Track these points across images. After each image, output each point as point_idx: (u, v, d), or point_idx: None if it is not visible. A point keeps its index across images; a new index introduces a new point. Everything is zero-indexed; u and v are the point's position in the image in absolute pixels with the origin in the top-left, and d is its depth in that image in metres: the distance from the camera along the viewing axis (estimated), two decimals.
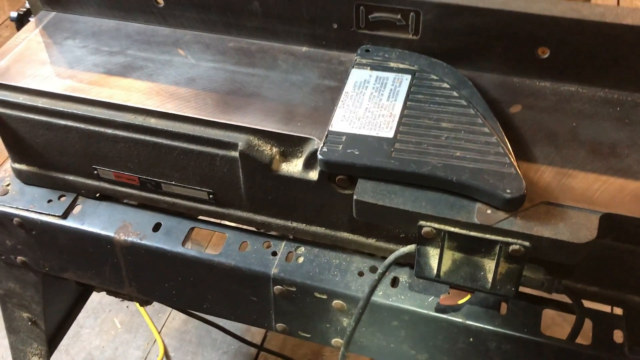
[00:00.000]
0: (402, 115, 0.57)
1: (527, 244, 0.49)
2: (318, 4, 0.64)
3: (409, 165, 0.52)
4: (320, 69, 0.66)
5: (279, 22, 0.67)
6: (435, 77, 0.60)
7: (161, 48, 0.70)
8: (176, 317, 1.44)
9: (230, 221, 0.68)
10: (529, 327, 0.58)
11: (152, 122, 0.63)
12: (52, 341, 0.95)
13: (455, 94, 0.58)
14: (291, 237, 0.67)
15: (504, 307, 0.61)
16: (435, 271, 0.54)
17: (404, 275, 0.64)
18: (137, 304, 1.42)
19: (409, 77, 0.61)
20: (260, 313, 0.69)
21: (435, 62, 0.62)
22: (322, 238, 0.65)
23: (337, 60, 0.67)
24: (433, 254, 0.53)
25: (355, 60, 0.63)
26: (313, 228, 0.65)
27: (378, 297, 0.62)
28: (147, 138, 0.64)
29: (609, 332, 0.57)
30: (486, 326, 0.59)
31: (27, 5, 0.79)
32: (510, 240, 0.50)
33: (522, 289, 0.53)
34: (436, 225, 0.51)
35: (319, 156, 0.54)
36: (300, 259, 0.66)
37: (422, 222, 0.51)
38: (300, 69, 0.66)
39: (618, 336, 0.57)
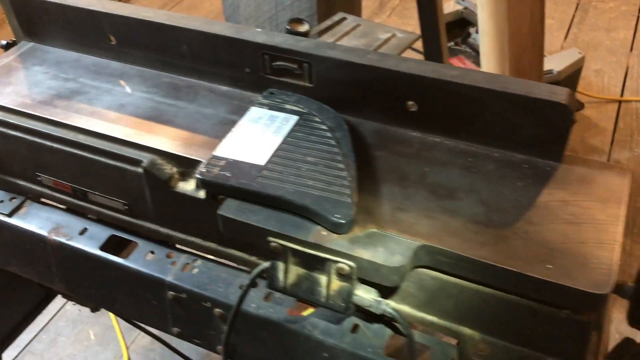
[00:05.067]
0: (278, 148, 0.66)
1: (351, 263, 0.57)
2: (233, 50, 0.74)
3: (266, 188, 0.61)
4: (232, 105, 0.76)
5: (204, 63, 0.78)
6: (318, 120, 0.69)
7: (107, 78, 0.82)
8: (146, 336, 1.52)
9: (142, 232, 0.78)
10: (373, 347, 0.64)
11: (80, 137, 0.74)
12: (3, 343, 1.04)
13: (329, 134, 0.67)
14: (191, 250, 0.76)
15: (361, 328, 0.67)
16: (282, 284, 0.61)
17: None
18: (112, 318, 1.52)
19: (296, 117, 0.70)
20: (160, 316, 0.77)
21: (323, 107, 0.71)
22: (215, 253, 0.73)
23: (249, 100, 0.76)
24: (281, 268, 0.61)
25: (258, 99, 0.73)
26: (207, 243, 0.73)
27: (251, 308, 0.69)
28: (76, 151, 0.74)
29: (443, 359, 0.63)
30: (336, 343, 0.65)
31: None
32: (337, 259, 0.57)
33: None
34: (282, 242, 0.59)
35: (196, 175, 0.64)
36: (195, 270, 0.74)
37: (270, 238, 0.59)
38: (215, 104, 0.76)
39: None
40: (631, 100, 2.11)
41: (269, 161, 0.64)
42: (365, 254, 0.56)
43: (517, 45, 1.33)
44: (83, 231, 0.80)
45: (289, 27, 0.79)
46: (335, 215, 0.57)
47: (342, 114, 0.72)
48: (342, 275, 0.58)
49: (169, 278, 0.73)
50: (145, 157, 0.70)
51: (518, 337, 0.59)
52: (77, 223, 0.81)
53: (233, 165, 0.64)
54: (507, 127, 0.65)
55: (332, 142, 0.66)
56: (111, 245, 0.79)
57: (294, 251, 0.59)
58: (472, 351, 0.60)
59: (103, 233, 0.80)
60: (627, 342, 0.96)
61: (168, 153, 0.70)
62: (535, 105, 0.61)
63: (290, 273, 0.61)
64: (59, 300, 1.41)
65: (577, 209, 0.59)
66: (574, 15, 2.60)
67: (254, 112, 0.71)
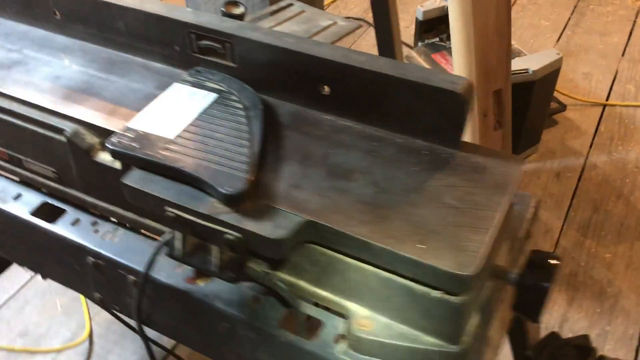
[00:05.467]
0: (190, 124, 0.68)
1: (239, 235, 0.59)
2: (163, 28, 0.77)
3: (167, 160, 0.63)
4: (161, 81, 0.78)
5: (138, 40, 0.81)
6: (235, 99, 0.72)
7: (50, 51, 0.85)
8: None
9: (72, 200, 0.81)
10: (269, 319, 0.67)
11: (13, 105, 0.77)
12: None
13: (242, 113, 0.69)
14: (115, 220, 0.79)
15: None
16: (180, 253, 0.64)
17: None
18: None
19: (215, 95, 0.72)
20: (83, 282, 0.80)
21: (244, 87, 0.74)
22: (134, 223, 0.76)
23: (178, 77, 0.79)
24: (179, 237, 0.64)
25: (183, 76, 0.76)
26: (128, 213, 0.76)
27: (161, 277, 0.72)
28: (8, 118, 0.77)
29: (332, 335, 0.65)
30: (235, 313, 0.68)
31: None
32: (226, 230, 0.59)
33: None
34: (177, 212, 0.62)
35: (106, 144, 0.66)
36: (115, 239, 0.77)
37: (167, 208, 0.62)
38: (145, 80, 0.79)
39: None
40: (616, 104, 2.11)
41: (178, 135, 0.67)
42: (251, 226, 0.58)
43: (483, 42, 1.34)
44: (17, 196, 0.83)
45: (223, 9, 0.81)
46: (226, 187, 0.60)
47: (263, 95, 0.74)
48: (232, 247, 0.60)
49: (90, 245, 0.76)
50: (69, 127, 0.73)
51: (398, 315, 0.61)
52: (13, 189, 0.84)
53: (142, 137, 0.67)
54: (408, 114, 0.67)
55: (244, 120, 0.68)
56: (43, 211, 0.82)
57: (189, 222, 0.61)
58: (356, 327, 0.63)
59: (36, 199, 0.83)
60: (551, 335, 0.98)
61: (89, 123, 0.73)
62: (432, 93, 0.63)
63: (187, 243, 0.63)
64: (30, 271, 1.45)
65: (463, 194, 0.61)
66: (569, 18, 2.59)
67: (175, 88, 0.74)
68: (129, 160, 0.66)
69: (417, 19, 2.00)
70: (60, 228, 0.79)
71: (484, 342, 0.65)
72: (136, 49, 0.82)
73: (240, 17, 0.81)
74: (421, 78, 0.64)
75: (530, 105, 1.71)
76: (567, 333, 1.44)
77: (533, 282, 0.61)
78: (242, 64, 0.74)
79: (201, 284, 0.68)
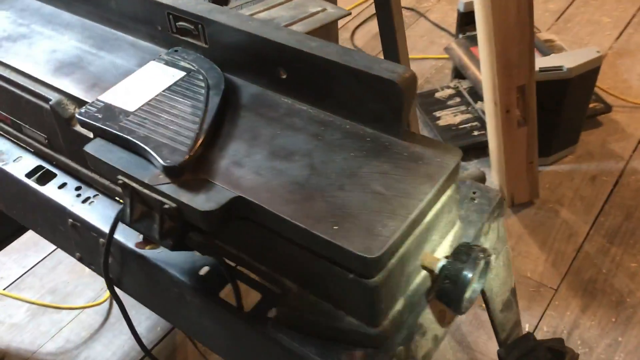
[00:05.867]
0: (153, 99, 0.73)
1: (174, 205, 0.63)
2: (146, 9, 0.81)
3: (123, 131, 0.68)
4: (144, 59, 0.83)
5: (127, 19, 0.86)
6: (201, 78, 0.75)
7: (54, 27, 0.91)
8: None
9: (61, 165, 0.87)
10: (210, 290, 0.70)
11: (12, 75, 0.84)
12: None
13: (203, 92, 0.73)
14: (98, 187, 0.85)
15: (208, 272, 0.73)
16: (129, 219, 0.68)
17: None
18: None
19: (183, 74, 0.76)
20: (66, 241, 0.87)
21: (212, 67, 0.77)
22: (106, 189, 0.82)
23: (159, 55, 0.83)
24: (128, 204, 0.68)
25: (160, 55, 0.80)
26: (103, 180, 0.82)
27: (123, 241, 0.77)
28: (8, 87, 0.85)
29: (267, 308, 0.68)
30: (185, 281, 0.72)
31: None
32: (164, 200, 0.63)
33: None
34: (126, 180, 0.66)
35: (76, 115, 0.72)
36: (93, 203, 0.83)
37: (119, 176, 0.67)
38: (130, 57, 0.84)
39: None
40: None
41: (139, 109, 0.71)
42: (184, 197, 0.62)
43: (503, 36, 1.32)
44: (17, 158, 0.91)
45: None
46: (167, 160, 0.64)
47: (232, 75, 0.77)
48: (170, 216, 0.64)
49: (69, 207, 0.83)
50: (54, 97, 0.79)
51: (323, 294, 0.63)
52: (15, 151, 0.92)
53: (107, 109, 0.72)
54: (355, 101, 0.68)
55: (202, 99, 0.72)
56: (39, 175, 0.89)
57: (136, 190, 0.66)
58: (288, 302, 0.65)
59: (32, 162, 0.90)
60: (525, 336, 0.97)
61: (71, 95, 0.78)
62: (373, 81, 0.64)
63: (135, 209, 0.68)
64: None
65: (393, 181, 0.62)
66: (634, 15, 2.46)
67: (152, 65, 0.78)
68: (93, 130, 0.71)
69: (458, 10, 1.97)
70: (48, 190, 0.86)
71: (412, 329, 0.66)
72: (126, 28, 0.87)
73: (225, 2, 0.85)
74: (364, 66, 0.65)
75: (564, 104, 1.66)
76: (575, 340, 1.40)
77: (454, 272, 0.61)
78: (213, 45, 0.78)
79: (149, 249, 0.73)
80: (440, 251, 0.68)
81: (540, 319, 1.44)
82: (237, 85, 0.77)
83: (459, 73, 2.02)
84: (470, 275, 0.61)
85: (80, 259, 0.87)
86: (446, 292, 0.62)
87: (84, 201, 0.83)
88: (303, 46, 0.69)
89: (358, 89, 0.67)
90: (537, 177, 1.66)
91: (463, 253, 0.63)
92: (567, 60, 1.61)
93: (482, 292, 0.86)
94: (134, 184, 0.66)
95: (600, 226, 1.65)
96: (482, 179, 1.73)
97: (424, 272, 0.65)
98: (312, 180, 0.63)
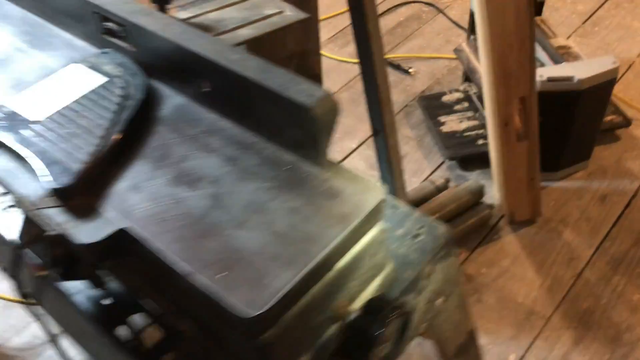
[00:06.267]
0: (65, 107, 0.66)
1: (57, 232, 0.56)
2: (77, 5, 0.75)
3: (18, 141, 0.62)
4: (74, 59, 0.77)
5: (64, 15, 0.79)
6: (122, 86, 0.68)
7: None
8: None
9: None
10: (110, 321, 0.64)
11: None
12: None
13: (118, 101, 0.66)
14: None
15: None
16: (21, 239, 0.62)
17: None
18: None
19: (105, 80, 0.69)
20: None
21: (137, 74, 0.70)
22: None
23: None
24: (22, 220, 0.62)
25: (86, 57, 0.73)
26: None
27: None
28: None
29: (166, 349, 0.61)
30: (84, 306, 0.66)
31: None
32: (48, 226, 0.57)
33: None
34: (16, 195, 0.60)
35: None
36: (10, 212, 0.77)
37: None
38: (61, 58, 0.77)
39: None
40: None
41: (45, 118, 0.65)
42: (68, 224, 0.56)
43: (500, 45, 1.21)
44: None
45: None
46: (54, 180, 0.57)
47: (161, 83, 0.70)
48: (56, 244, 0.58)
49: None
50: None
51: (217, 342, 0.56)
52: None
53: (12, 115, 0.65)
54: (274, 123, 0.60)
55: (115, 110, 0.65)
56: None
57: (24, 205, 0.60)
58: (185, 346, 0.59)
59: None
60: None
61: None
62: (288, 104, 0.56)
63: (26, 230, 0.62)
64: None
65: (300, 221, 0.54)
66: None
67: (72, 68, 0.72)
68: None
69: (471, 10, 1.86)
70: None
71: None
72: (64, 24, 0.81)
73: (167, 1, 0.77)
74: (279, 86, 0.57)
75: (574, 117, 1.54)
76: None
77: (360, 329, 0.53)
78: (140, 49, 0.71)
79: (43, 274, 0.67)
80: (362, 298, 0.60)
81: (527, 350, 1.34)
82: (162, 95, 0.70)
83: (469, 76, 1.91)
84: (377, 334, 0.53)
85: (4, 270, 0.82)
86: (349, 348, 0.54)
87: (7, 211, 0.78)
88: (221, 58, 0.61)
89: (275, 111, 0.59)
90: (539, 195, 1.55)
91: (375, 308, 0.55)
92: (580, 70, 1.49)
93: (432, 338, 0.77)
94: (21, 200, 0.59)
95: (604, 252, 1.53)
96: (480, 192, 1.63)
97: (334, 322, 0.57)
98: (213, 214, 0.56)
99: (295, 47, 1.12)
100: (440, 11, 2.46)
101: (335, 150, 1.87)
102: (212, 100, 0.66)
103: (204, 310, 0.53)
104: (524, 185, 1.50)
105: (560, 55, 1.61)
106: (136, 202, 0.58)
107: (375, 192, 0.56)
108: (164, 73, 0.70)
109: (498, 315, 1.40)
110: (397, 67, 2.18)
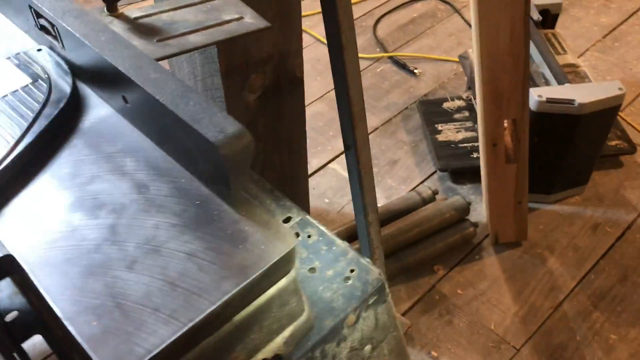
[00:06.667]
0: None
1: None
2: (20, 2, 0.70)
3: None
4: (10, 52, 0.72)
5: (10, 7, 0.74)
6: (44, 90, 0.64)
7: None
8: None
9: None
10: (12, 340, 0.60)
11: None
12: None
13: (35, 108, 0.61)
14: None
15: None
16: None
17: None
18: None
19: (29, 81, 0.65)
20: None
21: (64, 78, 0.65)
22: None
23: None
24: None
25: (17, 54, 0.69)
26: None
27: None
28: None
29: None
30: None
31: None
32: None
33: None
34: None
35: None
36: None
37: None
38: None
39: None
40: None
41: None
42: None
43: (492, 63, 1.14)
44: None
45: None
46: None
47: (93, 89, 0.66)
48: None
49: None
50: None
51: None
52: None
53: None
54: (190, 153, 0.55)
55: (29, 118, 0.60)
56: None
57: None
58: None
59: None
60: None
61: None
62: (198, 137, 0.51)
63: None
64: None
65: (193, 270, 0.49)
66: None
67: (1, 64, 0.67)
68: None
69: None
70: None
71: None
72: (8, 14, 0.76)
73: None
74: (190, 117, 0.52)
75: (572, 142, 1.46)
76: None
77: None
78: (71, 51, 0.66)
79: None
80: (268, 350, 0.55)
81: None
82: (89, 105, 0.65)
83: (472, 86, 1.84)
84: None
85: None
86: None
87: None
88: (139, 76, 0.56)
89: (188, 141, 0.54)
90: (526, 219, 1.49)
91: None
92: (582, 93, 1.41)
93: None
94: None
95: (588, 284, 1.47)
96: (465, 210, 1.56)
97: None
98: (105, 249, 0.51)
99: (272, 48, 1.06)
100: (456, 11, 2.38)
101: (327, 149, 1.82)
102: (134, 116, 0.61)
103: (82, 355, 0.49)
104: (510, 207, 1.44)
105: (566, 74, 1.53)
106: (29, 226, 0.53)
107: (285, 241, 0.51)
108: (93, 80, 0.65)
109: (467, 341, 1.35)
110: (403, 67, 2.11)
